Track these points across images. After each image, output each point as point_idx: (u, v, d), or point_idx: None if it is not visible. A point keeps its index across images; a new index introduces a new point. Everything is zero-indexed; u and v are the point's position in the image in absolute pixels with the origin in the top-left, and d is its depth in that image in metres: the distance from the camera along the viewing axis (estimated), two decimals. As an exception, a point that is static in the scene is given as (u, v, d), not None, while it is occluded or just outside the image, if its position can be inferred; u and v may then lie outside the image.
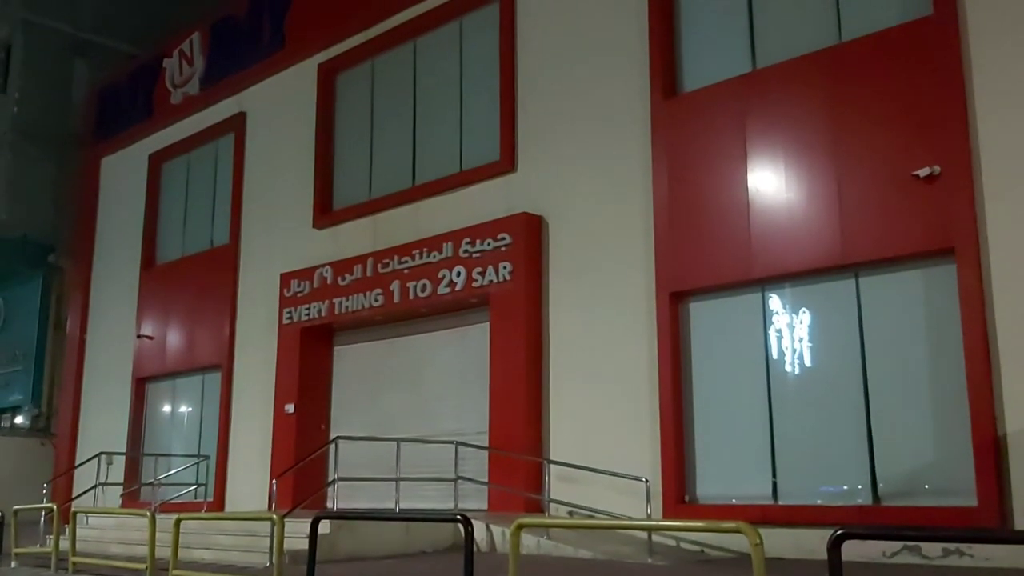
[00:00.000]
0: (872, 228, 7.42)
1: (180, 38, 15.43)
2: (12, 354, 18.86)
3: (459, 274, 10.11)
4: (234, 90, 14.19)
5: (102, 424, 15.34)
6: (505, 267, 9.67)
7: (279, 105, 13.42)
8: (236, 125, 14.02)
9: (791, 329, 7.91)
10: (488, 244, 9.88)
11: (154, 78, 15.84)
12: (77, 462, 14.83)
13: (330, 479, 8.77)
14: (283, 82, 13.44)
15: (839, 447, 7.46)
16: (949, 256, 7.03)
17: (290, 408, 11.72)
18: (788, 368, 7.87)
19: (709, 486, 8.16)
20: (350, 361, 11.99)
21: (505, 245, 9.72)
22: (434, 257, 10.42)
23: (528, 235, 9.65)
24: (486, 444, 9.39)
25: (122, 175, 16.39)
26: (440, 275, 10.29)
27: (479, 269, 9.91)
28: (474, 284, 9.95)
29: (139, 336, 14.73)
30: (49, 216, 19.05)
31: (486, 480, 9.21)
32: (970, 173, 6.97)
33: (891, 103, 7.46)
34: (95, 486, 11.77)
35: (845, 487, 7.38)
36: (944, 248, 7.04)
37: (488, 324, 9.88)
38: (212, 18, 14.92)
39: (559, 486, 8.70)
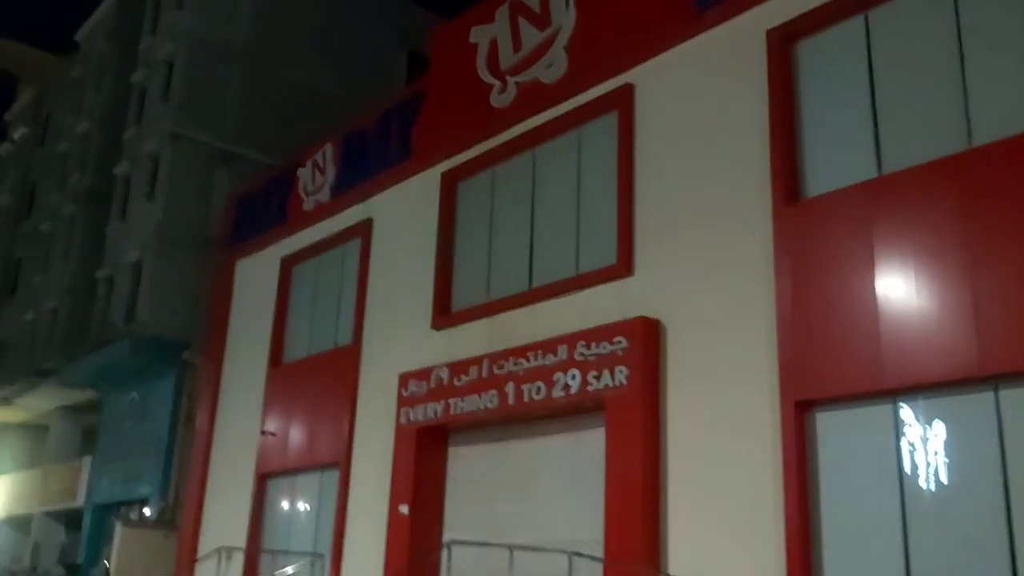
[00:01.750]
0: (1011, 338, 7.03)
1: (314, 149, 16.35)
2: (144, 448, 19.71)
3: (574, 377, 10.06)
4: (362, 197, 14.85)
5: (224, 518, 15.70)
6: (621, 371, 9.57)
7: (404, 211, 13.94)
8: (363, 230, 14.62)
9: (925, 443, 7.50)
10: (604, 348, 9.83)
11: (288, 186, 16.76)
12: (198, 555, 15.19)
13: (442, 584, 8.69)
14: (408, 190, 13.99)
15: (980, 570, 6.91)
16: (1100, 368, 6.60)
17: (404, 509, 11.74)
18: (923, 484, 7.42)
19: (839, 609, 7.67)
20: (464, 463, 11.98)
21: (622, 349, 9.65)
22: (549, 360, 10.42)
23: (645, 339, 9.56)
24: (601, 554, 9.13)
25: (255, 277, 17.22)
26: (555, 378, 10.27)
27: (595, 373, 9.85)
28: (589, 388, 9.87)
29: (263, 432, 15.15)
30: (186, 315, 20.11)
31: (601, 592, 8.93)
32: (1120, 280, 6.58)
33: (1028, 208, 7.17)
34: (214, 580, 12.03)
35: (990, 616, 6.82)
36: (1093, 360, 6.61)
37: (604, 430, 9.74)
38: (344, 130, 15.78)
39: (677, 602, 8.34)
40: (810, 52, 9.19)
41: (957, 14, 8.12)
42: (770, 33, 9.33)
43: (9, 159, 33.14)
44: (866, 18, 8.78)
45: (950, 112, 8.00)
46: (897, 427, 7.68)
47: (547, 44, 11.84)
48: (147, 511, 18.92)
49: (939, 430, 7.45)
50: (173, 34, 23.21)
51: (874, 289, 7.93)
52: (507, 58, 12.44)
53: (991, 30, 7.91)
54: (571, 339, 10.21)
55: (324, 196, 15.74)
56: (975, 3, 8.05)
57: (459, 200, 13.09)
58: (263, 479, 15.16)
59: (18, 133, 32.89)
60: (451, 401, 11.56)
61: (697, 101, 10.05)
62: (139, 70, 24.52)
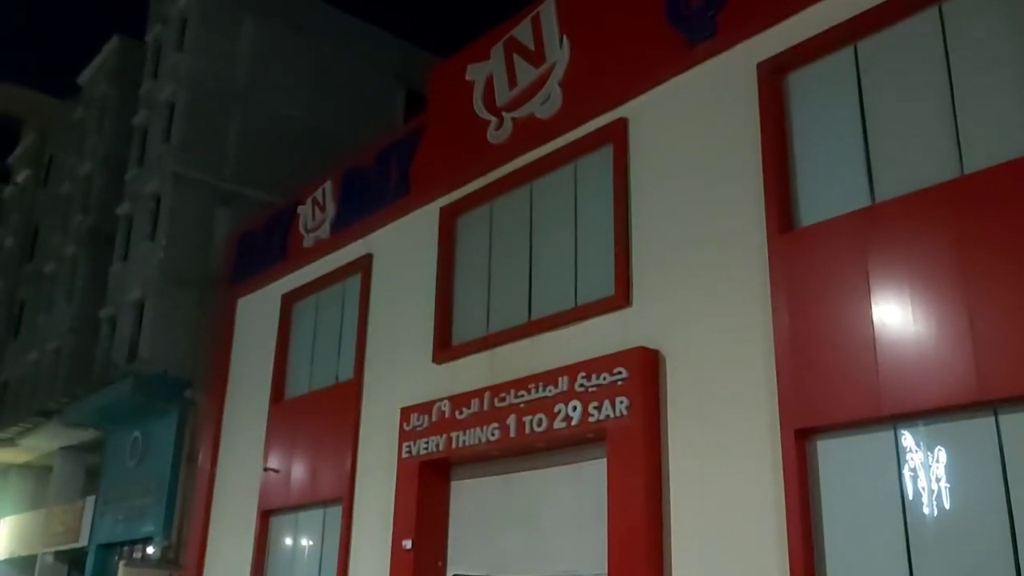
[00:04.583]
0: (1010, 363, 7.06)
1: (314, 186, 16.50)
2: (147, 486, 19.62)
3: (575, 408, 10.08)
4: (362, 233, 14.96)
5: (227, 556, 15.64)
6: (622, 402, 9.60)
7: (403, 246, 14.04)
8: (363, 266, 14.71)
9: (927, 469, 7.50)
10: (604, 378, 9.87)
11: (289, 224, 16.89)
12: (201, 595, 15.11)
13: (446, 619, 8.66)
14: (407, 225, 14.10)
15: (987, 598, 6.91)
16: (1097, 391, 6.62)
17: (408, 544, 11.70)
18: (925, 510, 7.42)
19: (844, 638, 7.64)
20: (466, 496, 11.96)
21: (621, 379, 9.68)
22: (550, 391, 10.44)
23: (645, 370, 9.60)
24: (605, 586, 9.12)
25: (256, 315, 17.29)
26: (556, 409, 10.28)
27: (595, 404, 9.87)
28: (590, 419, 9.89)
29: (265, 469, 15.12)
30: (187, 353, 20.13)
31: (605, 625, 8.89)
32: (1113, 303, 6.63)
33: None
34: (218, 620, 11.97)
35: (997, 643, 6.79)
36: (1090, 383, 6.64)
37: (605, 460, 9.74)
38: (343, 167, 15.94)
39: (682, 633, 8.30)
40: (801, 83, 9.33)
41: (945, 42, 8.26)
42: (761, 66, 9.48)
43: (12, 201, 33.38)
44: (855, 49, 8.93)
45: (941, 139, 8.10)
46: (898, 453, 7.70)
47: (542, 80, 12.01)
48: (150, 550, 18.79)
49: (940, 456, 7.46)
50: (174, 76, 23.49)
51: (871, 316, 7.99)
52: (503, 95, 12.61)
53: (979, 57, 8.03)
54: (571, 370, 10.25)
55: (324, 233, 15.85)
56: (963, 30, 8.18)
57: (458, 234, 13.18)
58: (266, 516, 15.11)
59: (21, 175, 33.16)
60: (453, 434, 11.57)
61: (691, 134, 10.18)
62: (140, 112, 24.78)
